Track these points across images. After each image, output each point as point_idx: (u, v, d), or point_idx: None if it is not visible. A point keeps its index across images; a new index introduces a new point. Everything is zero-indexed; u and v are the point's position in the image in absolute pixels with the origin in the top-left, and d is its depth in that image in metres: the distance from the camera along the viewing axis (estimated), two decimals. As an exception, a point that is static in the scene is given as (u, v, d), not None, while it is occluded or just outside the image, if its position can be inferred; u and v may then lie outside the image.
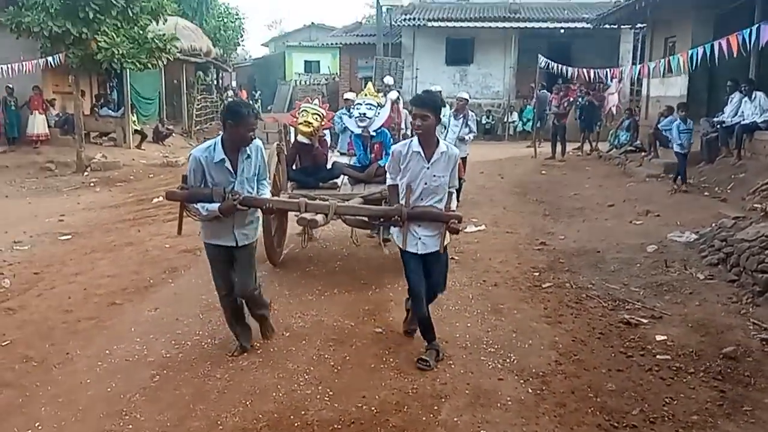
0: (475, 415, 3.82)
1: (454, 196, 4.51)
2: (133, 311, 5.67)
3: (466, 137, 10.09)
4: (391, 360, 4.58)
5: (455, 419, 3.78)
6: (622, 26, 20.71)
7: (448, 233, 4.36)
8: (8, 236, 8.77)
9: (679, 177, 10.82)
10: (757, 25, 6.09)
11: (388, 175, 4.62)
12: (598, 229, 8.52)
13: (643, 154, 14.25)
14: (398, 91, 14.13)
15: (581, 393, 4.09)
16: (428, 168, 4.32)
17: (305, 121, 6.76)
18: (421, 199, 4.36)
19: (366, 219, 5.67)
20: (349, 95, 10.46)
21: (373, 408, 3.91)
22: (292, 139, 7.40)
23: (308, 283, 6.40)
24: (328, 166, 7.23)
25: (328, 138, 7.91)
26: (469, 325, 5.24)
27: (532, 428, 3.69)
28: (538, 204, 10.76)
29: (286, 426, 3.71)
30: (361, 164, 7.23)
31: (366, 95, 7.37)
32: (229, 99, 29.67)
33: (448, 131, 9.96)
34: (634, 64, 21.31)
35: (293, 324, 5.28)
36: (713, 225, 7.32)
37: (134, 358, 4.63)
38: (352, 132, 7.54)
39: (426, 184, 4.33)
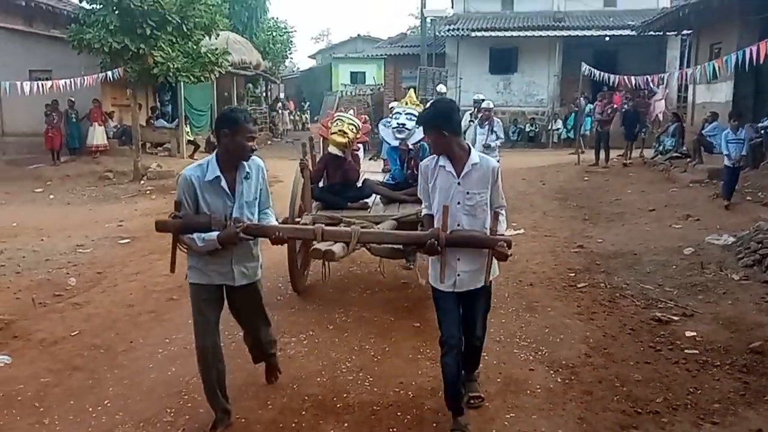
0: (506, 401, 4.09)
1: (502, 218, 3.68)
2: (189, 306, 6.04)
3: (493, 144, 10.09)
4: (428, 351, 4.86)
5: (486, 404, 4.03)
6: (667, 33, 20.58)
7: (495, 263, 3.60)
8: (71, 240, 9.35)
9: (724, 192, 9.89)
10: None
11: (423, 204, 3.92)
12: (637, 233, 8.64)
13: (687, 160, 14.18)
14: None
15: (608, 383, 4.31)
16: (459, 183, 3.60)
17: (340, 131, 6.07)
18: (458, 225, 3.59)
19: (396, 247, 4.84)
20: (395, 104, 10.31)
21: (410, 393, 4.21)
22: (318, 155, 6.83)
23: (351, 282, 6.75)
24: (359, 184, 6.45)
25: (361, 153, 7.30)
26: (503, 321, 5.49)
27: (558, 413, 3.93)
28: (578, 209, 10.89)
29: (329, 407, 4.04)
30: (396, 181, 6.60)
31: (407, 104, 6.73)
32: (279, 109, 30.61)
33: (476, 140, 10.06)
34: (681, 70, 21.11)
35: (336, 318, 5.62)
36: (751, 228, 7.39)
37: (191, 347, 4.95)
38: (387, 144, 6.82)
39: (459, 203, 3.60)
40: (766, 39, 8.02)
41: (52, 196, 14.17)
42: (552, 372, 4.50)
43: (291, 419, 3.89)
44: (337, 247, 4.46)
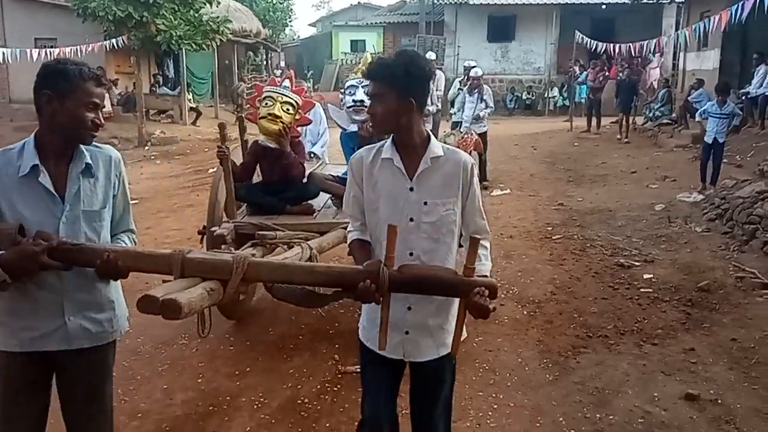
0: (476, 328, 4.66)
1: (485, 251, 2.33)
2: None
3: (482, 113, 9.94)
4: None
5: (459, 330, 4.63)
6: (661, 1, 20.84)
7: (467, 319, 2.18)
8: (83, 200, 9.91)
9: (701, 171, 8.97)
10: (742, 2, 6.68)
11: (351, 224, 2.47)
12: (616, 193, 9.21)
13: (674, 125, 14.66)
14: (439, 69, 14.16)
15: (568, 314, 4.92)
16: (411, 189, 2.27)
17: (270, 114, 4.46)
18: (411, 253, 2.26)
19: (312, 289, 2.72)
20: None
21: (393, 322, 4.81)
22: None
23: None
24: (305, 180, 4.81)
25: (308, 139, 5.92)
26: (482, 266, 6.07)
27: (521, 337, 4.55)
28: (564, 171, 11.44)
29: (323, 332, 4.66)
30: None
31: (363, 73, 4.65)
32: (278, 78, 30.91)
33: (464, 109, 9.94)
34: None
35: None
36: (718, 186, 7.95)
37: (201, 286, 5.63)
38: (343, 130, 5.11)
39: (413, 219, 2.27)
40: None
41: (60, 161, 14.66)
42: (520, 306, 5.10)
43: (289, 342, 4.50)
44: (193, 295, 2.26)
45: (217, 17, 16.44)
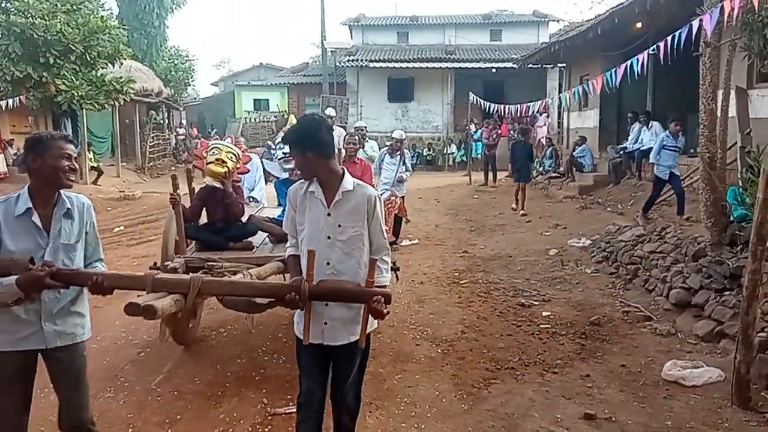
0: (395, 367, 5.01)
1: (386, 264, 3.19)
2: (114, 311, 6.58)
3: (404, 176, 9.74)
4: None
5: (380, 370, 4.94)
6: (545, 66, 22.62)
7: (370, 319, 3.00)
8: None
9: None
10: (614, 69, 7.65)
11: (289, 240, 3.31)
12: (514, 240, 9.91)
13: (563, 178, 15.84)
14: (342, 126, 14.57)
15: (477, 350, 5.33)
16: (329, 214, 3.06)
17: (217, 160, 5.36)
18: (327, 264, 3.03)
19: (253, 300, 3.68)
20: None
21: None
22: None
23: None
24: (245, 219, 5.64)
25: (246, 185, 6.71)
26: (397, 311, 6.42)
27: (437, 373, 4.90)
28: (466, 222, 12.13)
29: (249, 379, 4.82)
30: None
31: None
32: (180, 136, 30.71)
33: (381, 171, 9.65)
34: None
35: (252, 317, 6.37)
36: (603, 232, 8.76)
37: (121, 342, 5.67)
38: (276, 178, 6.29)
39: (330, 237, 3.05)
40: (609, 71, 9.43)
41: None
42: (434, 345, 5.48)
43: (216, 390, 4.64)
44: (164, 302, 3.19)
45: (121, 77, 16.40)
